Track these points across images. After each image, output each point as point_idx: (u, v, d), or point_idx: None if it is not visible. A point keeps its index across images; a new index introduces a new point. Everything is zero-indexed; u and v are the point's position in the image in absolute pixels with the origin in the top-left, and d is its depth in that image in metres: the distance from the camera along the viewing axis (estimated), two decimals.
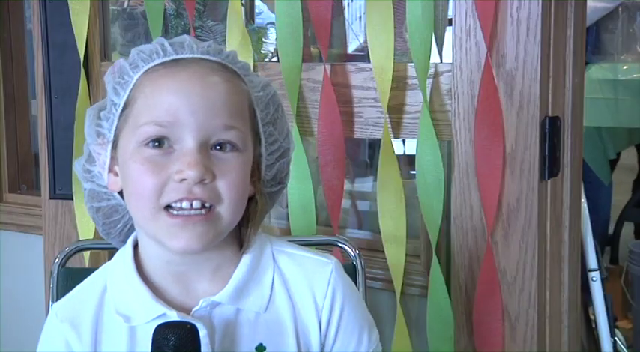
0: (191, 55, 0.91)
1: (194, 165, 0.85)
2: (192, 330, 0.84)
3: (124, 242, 0.98)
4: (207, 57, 0.91)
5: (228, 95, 0.89)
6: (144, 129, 0.87)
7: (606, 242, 3.10)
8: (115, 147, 0.92)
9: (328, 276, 0.96)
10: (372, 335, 0.99)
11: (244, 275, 0.93)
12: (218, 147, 0.88)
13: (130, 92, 0.90)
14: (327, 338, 0.95)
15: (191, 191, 0.85)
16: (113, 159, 0.93)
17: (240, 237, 0.96)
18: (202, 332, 0.89)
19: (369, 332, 0.99)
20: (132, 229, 0.98)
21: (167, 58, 0.91)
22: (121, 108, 0.91)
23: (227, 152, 0.88)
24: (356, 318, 0.97)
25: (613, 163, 3.17)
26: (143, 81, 0.90)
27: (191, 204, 0.86)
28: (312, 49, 1.89)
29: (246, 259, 0.94)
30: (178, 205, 0.86)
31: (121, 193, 0.93)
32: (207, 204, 0.86)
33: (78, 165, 0.97)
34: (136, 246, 0.96)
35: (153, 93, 0.88)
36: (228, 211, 0.88)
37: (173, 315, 0.90)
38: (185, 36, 0.94)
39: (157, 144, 0.87)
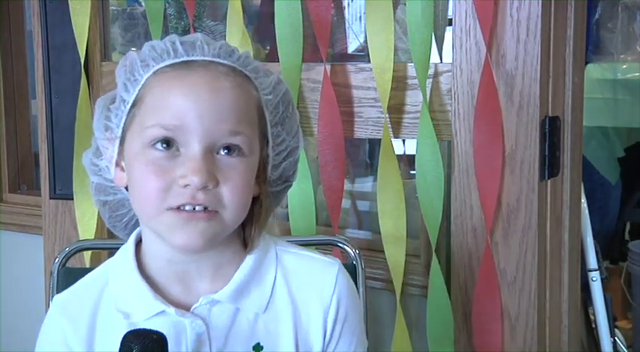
0: (202, 58, 0.90)
1: (198, 171, 0.85)
2: (160, 341, 0.82)
3: (130, 235, 0.98)
4: (217, 60, 0.91)
5: (236, 101, 0.89)
6: (150, 132, 0.87)
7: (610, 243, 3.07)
8: (122, 142, 0.92)
9: (335, 277, 0.96)
10: (364, 339, 1.00)
11: (246, 275, 0.94)
12: (225, 152, 0.88)
13: (139, 91, 0.90)
14: (332, 339, 0.95)
15: (194, 197, 0.85)
16: (120, 154, 0.93)
17: (243, 236, 0.96)
18: (200, 330, 0.90)
19: (363, 338, 1.00)
20: (138, 223, 0.98)
21: (177, 60, 0.90)
22: (129, 105, 0.91)
23: (233, 157, 0.88)
24: (355, 323, 0.98)
25: (622, 162, 3.13)
26: (152, 81, 0.90)
27: (194, 208, 0.86)
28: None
29: (249, 259, 0.94)
30: (182, 208, 0.86)
31: (127, 188, 0.93)
32: (209, 209, 0.87)
33: (86, 158, 0.97)
34: (139, 243, 0.96)
35: (161, 95, 0.88)
36: (230, 215, 0.88)
37: (172, 312, 0.91)
38: (197, 35, 0.93)
39: (165, 145, 0.87)
